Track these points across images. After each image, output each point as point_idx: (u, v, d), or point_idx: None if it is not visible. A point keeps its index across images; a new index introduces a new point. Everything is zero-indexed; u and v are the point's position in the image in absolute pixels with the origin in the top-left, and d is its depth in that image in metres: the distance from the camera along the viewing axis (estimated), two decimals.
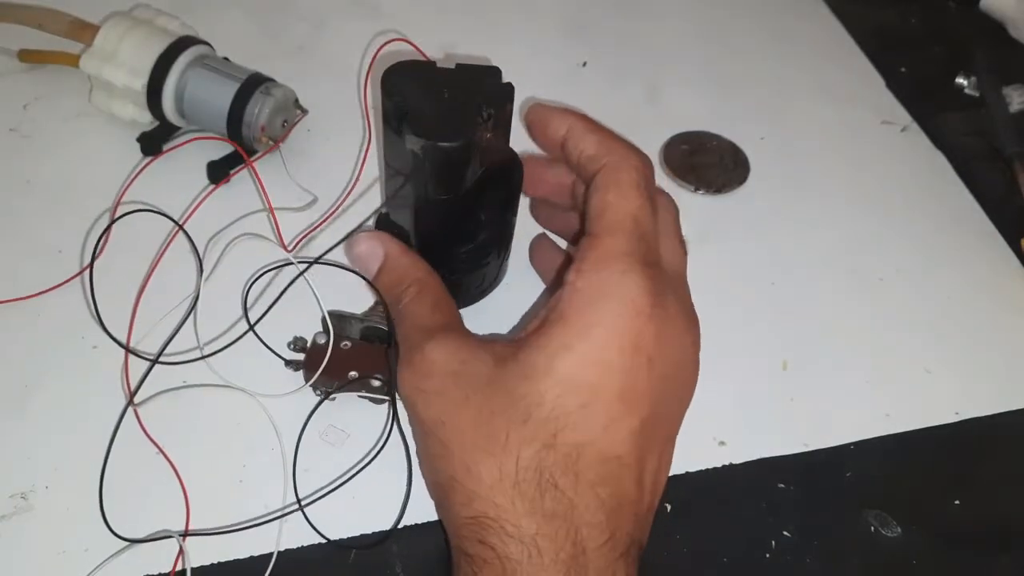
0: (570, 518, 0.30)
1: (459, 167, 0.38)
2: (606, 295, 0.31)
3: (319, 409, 0.40)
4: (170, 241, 0.45)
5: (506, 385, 0.31)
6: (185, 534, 0.36)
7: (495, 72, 0.39)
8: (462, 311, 0.39)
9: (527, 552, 0.29)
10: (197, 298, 0.43)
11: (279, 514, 0.37)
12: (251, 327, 0.42)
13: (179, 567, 0.35)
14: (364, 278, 0.39)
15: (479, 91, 0.38)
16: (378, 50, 0.45)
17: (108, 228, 0.41)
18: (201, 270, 0.43)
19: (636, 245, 0.33)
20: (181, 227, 0.42)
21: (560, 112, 0.37)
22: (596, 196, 0.34)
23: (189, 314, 0.42)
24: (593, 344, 0.31)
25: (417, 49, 0.35)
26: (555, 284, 0.40)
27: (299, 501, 0.37)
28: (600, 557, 0.30)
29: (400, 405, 0.39)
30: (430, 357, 0.33)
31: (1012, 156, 0.54)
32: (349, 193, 0.49)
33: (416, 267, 0.38)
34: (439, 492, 0.34)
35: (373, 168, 0.51)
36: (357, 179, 0.49)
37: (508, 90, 0.38)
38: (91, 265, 0.41)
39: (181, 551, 0.36)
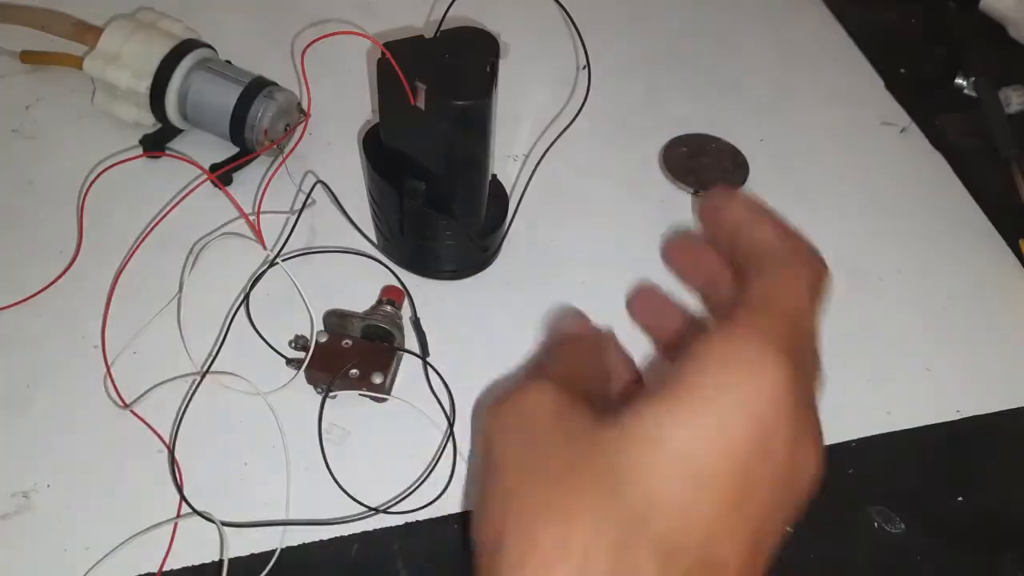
0: None
1: (488, 120, 0.38)
2: (738, 370, 0.26)
3: (318, 407, 0.40)
4: (170, 241, 0.46)
5: (600, 449, 0.26)
6: (209, 514, 0.36)
7: (475, 29, 0.39)
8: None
9: None
10: (181, 300, 0.43)
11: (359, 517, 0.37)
12: (253, 326, 0.42)
13: (187, 563, 0.35)
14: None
15: (472, 48, 0.38)
16: (309, 44, 0.42)
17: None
18: (185, 272, 0.44)
19: (790, 337, 0.27)
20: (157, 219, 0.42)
21: (736, 198, 0.32)
22: (761, 280, 0.29)
23: (178, 314, 0.43)
24: (718, 421, 0.25)
25: (368, 37, 0.35)
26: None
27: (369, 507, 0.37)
28: None
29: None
30: (531, 396, 0.29)
31: (1010, 157, 0.54)
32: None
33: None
34: (483, 550, 0.28)
35: None
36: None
37: (494, 42, 0.39)
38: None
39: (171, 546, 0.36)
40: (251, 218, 0.46)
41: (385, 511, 0.38)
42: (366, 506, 0.38)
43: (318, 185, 0.49)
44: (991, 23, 0.65)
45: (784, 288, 0.28)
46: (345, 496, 0.38)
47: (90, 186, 0.48)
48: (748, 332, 0.26)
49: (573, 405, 0.28)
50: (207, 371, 0.41)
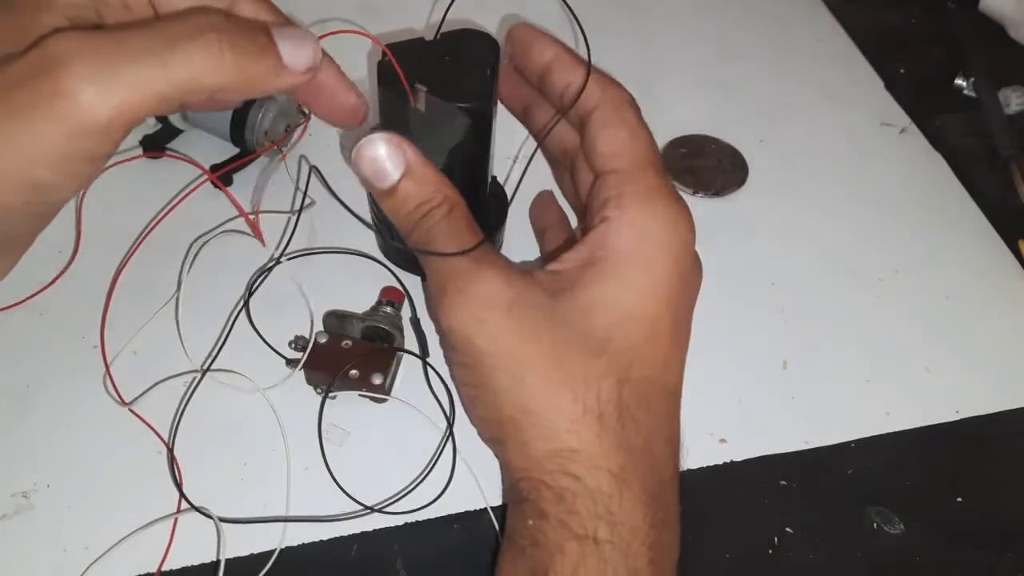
0: (648, 452, 0.31)
1: (490, 122, 0.39)
2: (658, 229, 0.32)
3: (318, 408, 0.40)
4: (170, 241, 0.46)
5: (572, 319, 0.31)
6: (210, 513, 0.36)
7: (475, 31, 0.39)
8: None
9: (617, 485, 0.30)
10: (179, 299, 0.43)
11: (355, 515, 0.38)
12: (253, 326, 0.42)
13: (186, 562, 0.36)
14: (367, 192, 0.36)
15: (473, 50, 0.38)
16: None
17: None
18: (185, 272, 0.44)
19: (665, 181, 0.33)
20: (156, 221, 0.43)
21: (545, 37, 0.37)
22: (607, 133, 0.34)
23: (177, 315, 0.43)
24: (652, 279, 0.32)
25: (370, 37, 0.35)
26: (552, 232, 0.45)
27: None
28: (670, 490, 0.32)
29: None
30: (489, 285, 0.32)
31: (1009, 157, 0.54)
32: None
33: (445, 178, 0.33)
34: (506, 426, 0.32)
35: None
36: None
37: (494, 44, 0.39)
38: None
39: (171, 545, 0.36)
40: (251, 217, 0.46)
41: (380, 510, 0.38)
42: (362, 504, 0.38)
43: (320, 185, 0.49)
44: (991, 23, 0.65)
45: (630, 133, 0.34)
46: (344, 496, 0.38)
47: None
48: (643, 195, 0.33)
49: (521, 280, 0.32)
50: (207, 369, 0.41)
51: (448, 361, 0.38)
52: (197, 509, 0.37)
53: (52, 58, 0.24)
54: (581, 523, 0.30)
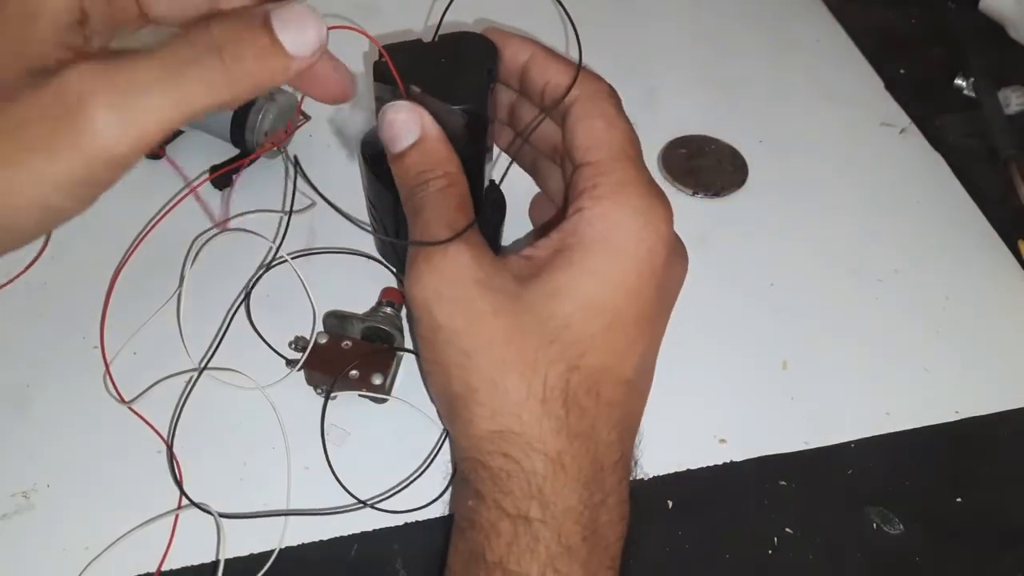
0: (592, 437, 0.31)
1: (486, 125, 0.38)
2: (629, 219, 0.32)
3: (319, 408, 0.40)
4: (169, 242, 0.46)
5: (533, 304, 0.32)
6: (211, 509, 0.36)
7: (473, 33, 0.39)
8: None
9: (552, 468, 0.30)
10: (179, 301, 0.43)
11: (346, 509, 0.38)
12: (253, 326, 0.42)
13: (186, 561, 0.36)
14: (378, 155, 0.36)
15: (470, 52, 0.38)
16: None
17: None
18: (185, 272, 0.44)
19: (642, 172, 0.34)
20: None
21: (520, 38, 0.37)
22: (584, 125, 0.34)
23: (178, 315, 0.43)
24: (617, 269, 0.32)
25: (367, 35, 0.35)
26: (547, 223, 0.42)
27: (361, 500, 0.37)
28: (614, 475, 0.32)
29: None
30: (457, 260, 0.32)
31: (1009, 157, 0.54)
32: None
33: (452, 158, 0.35)
34: (455, 403, 0.33)
35: None
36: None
37: (492, 46, 0.39)
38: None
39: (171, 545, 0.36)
40: (276, 218, 0.46)
41: (373, 506, 0.38)
42: (357, 498, 0.38)
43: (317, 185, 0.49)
44: (991, 23, 0.65)
45: (606, 125, 0.34)
46: (345, 493, 0.38)
47: None
48: (618, 186, 0.33)
49: (492, 262, 0.33)
50: (205, 367, 0.41)
51: (412, 334, 0.39)
52: (197, 505, 0.37)
53: (75, 93, 0.25)
54: (514, 503, 0.30)
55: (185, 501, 0.37)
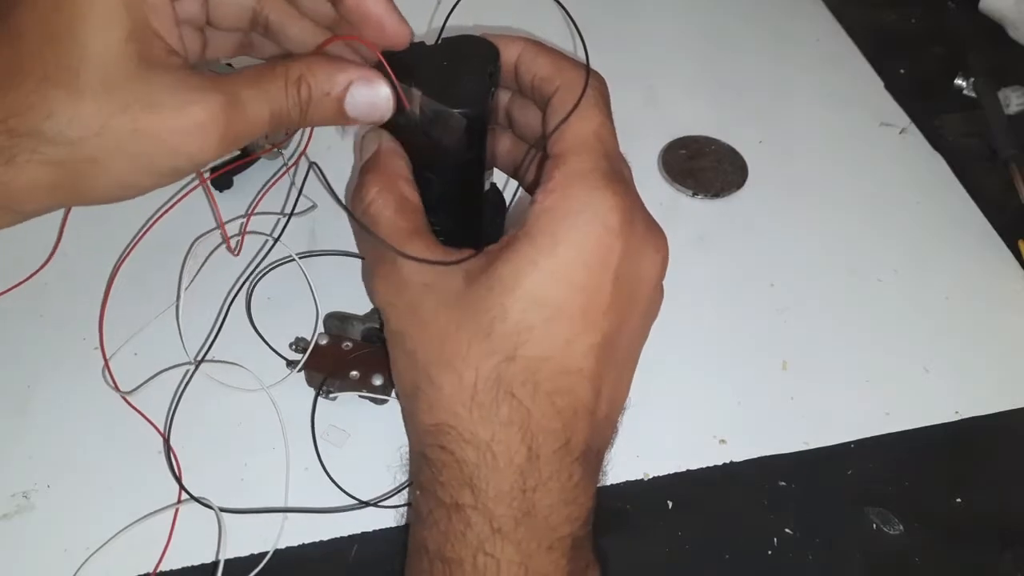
0: (526, 426, 0.31)
1: (485, 128, 0.38)
2: (575, 212, 0.32)
3: (320, 409, 0.40)
4: (168, 242, 0.46)
5: (473, 300, 0.32)
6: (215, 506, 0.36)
7: (475, 37, 0.39)
8: None
9: (482, 456, 0.31)
10: (178, 300, 0.43)
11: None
12: (253, 326, 0.42)
13: (185, 561, 0.36)
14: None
15: (472, 56, 0.38)
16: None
17: None
18: (184, 273, 0.44)
19: (602, 163, 0.33)
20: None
21: (508, 37, 0.37)
22: (556, 117, 0.34)
23: (178, 315, 0.43)
24: (559, 261, 0.32)
25: (366, 43, 0.35)
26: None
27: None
28: (555, 461, 0.32)
29: None
30: (403, 270, 0.34)
31: (1009, 157, 0.54)
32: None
33: (398, 168, 0.37)
34: (406, 402, 0.35)
35: None
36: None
37: (494, 50, 0.39)
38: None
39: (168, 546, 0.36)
40: (277, 218, 0.47)
41: (375, 504, 0.38)
42: (358, 499, 0.38)
43: (320, 187, 0.49)
44: (991, 23, 0.65)
45: (577, 116, 0.34)
46: (344, 495, 0.38)
47: None
48: (568, 178, 0.32)
49: (443, 268, 0.34)
50: (202, 360, 0.41)
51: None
52: (197, 500, 0.37)
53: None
54: (448, 492, 0.31)
55: (185, 496, 0.37)
